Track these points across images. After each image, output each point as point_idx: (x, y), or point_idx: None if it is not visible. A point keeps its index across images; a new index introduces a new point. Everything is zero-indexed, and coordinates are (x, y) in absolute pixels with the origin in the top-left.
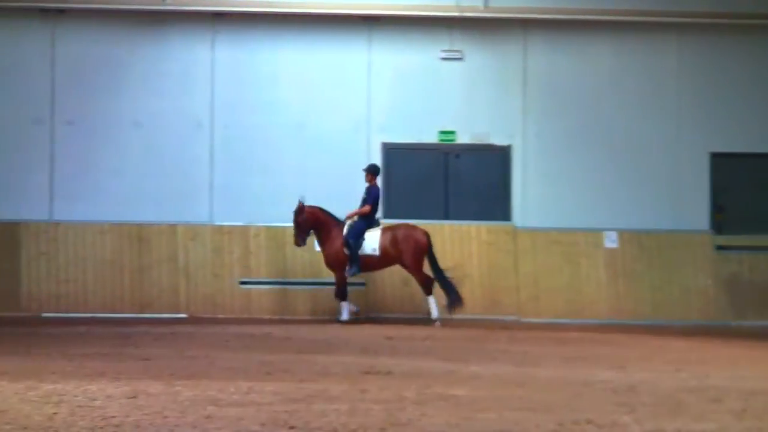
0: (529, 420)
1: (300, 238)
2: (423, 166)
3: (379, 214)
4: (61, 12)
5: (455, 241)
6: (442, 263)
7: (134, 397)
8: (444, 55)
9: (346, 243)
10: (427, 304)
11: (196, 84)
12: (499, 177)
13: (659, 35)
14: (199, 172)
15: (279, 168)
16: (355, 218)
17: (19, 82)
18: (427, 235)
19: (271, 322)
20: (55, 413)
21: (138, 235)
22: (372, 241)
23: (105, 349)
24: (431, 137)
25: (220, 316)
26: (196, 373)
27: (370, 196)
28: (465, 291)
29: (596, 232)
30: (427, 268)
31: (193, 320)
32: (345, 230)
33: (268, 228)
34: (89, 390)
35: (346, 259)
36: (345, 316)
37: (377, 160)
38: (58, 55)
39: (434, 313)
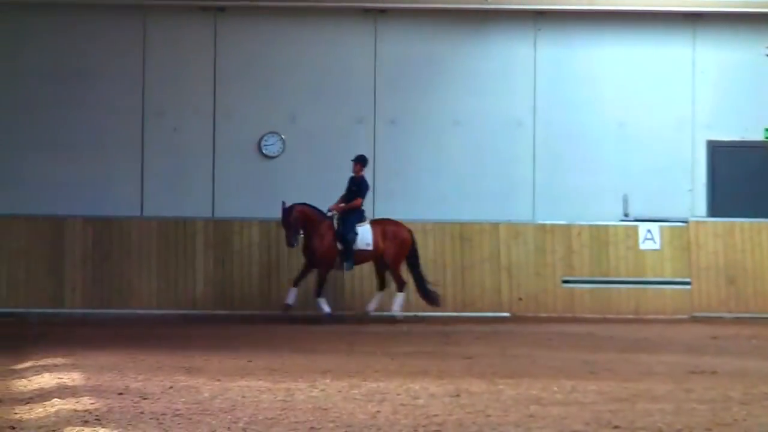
0: None
1: (292, 238)
2: (749, 164)
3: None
4: (382, 12)
5: None
6: None
7: (457, 395)
8: None
9: (342, 238)
10: (395, 299)
11: (516, 82)
12: None
13: None
14: (520, 170)
15: (600, 166)
16: (336, 212)
17: (343, 81)
18: (411, 233)
19: (593, 321)
20: (377, 411)
21: (460, 233)
22: (365, 236)
23: (427, 348)
24: (757, 135)
25: (543, 315)
26: (518, 371)
27: (363, 189)
28: None
29: None
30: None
31: (515, 319)
32: (335, 225)
33: (591, 226)
34: (412, 388)
35: (336, 254)
36: (327, 308)
37: (702, 157)
38: (380, 54)
39: (399, 308)
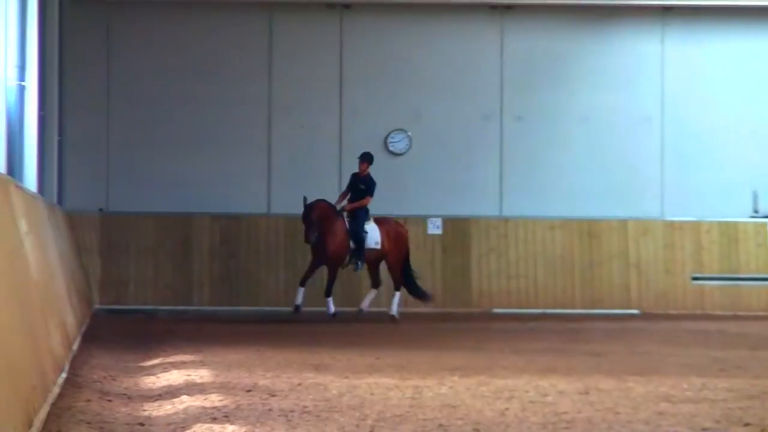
0: None
1: (312, 233)
2: None
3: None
4: (508, 8)
5: None
6: None
7: (586, 393)
8: None
9: (356, 236)
10: (393, 298)
11: (644, 79)
12: None
13: None
14: (648, 167)
15: (729, 162)
16: (346, 211)
17: (470, 78)
18: (407, 231)
19: (723, 318)
20: (506, 409)
21: (588, 230)
22: (374, 235)
23: (555, 345)
24: None
25: (672, 312)
26: (647, 369)
27: (371, 188)
28: None
29: None
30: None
31: (645, 316)
32: (347, 223)
33: (720, 223)
34: (540, 386)
35: (347, 253)
36: (333, 309)
37: None
38: (507, 50)
39: (397, 307)
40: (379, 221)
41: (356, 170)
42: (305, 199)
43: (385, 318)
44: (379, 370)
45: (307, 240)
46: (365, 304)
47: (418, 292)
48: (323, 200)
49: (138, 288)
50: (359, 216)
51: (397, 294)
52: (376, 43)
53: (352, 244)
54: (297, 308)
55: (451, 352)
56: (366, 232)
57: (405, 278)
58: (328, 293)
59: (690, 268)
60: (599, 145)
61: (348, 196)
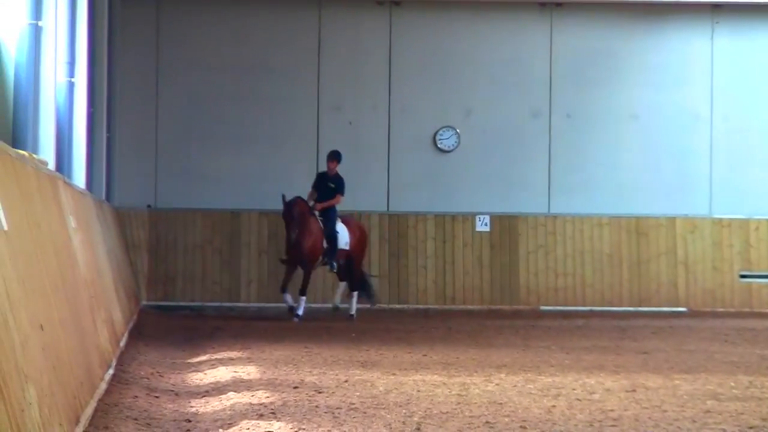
0: None
1: (295, 231)
2: None
3: None
4: (558, 5)
5: None
6: None
7: (633, 390)
8: None
9: (330, 236)
10: (351, 298)
11: (693, 76)
12: None
13: None
14: (697, 164)
15: None
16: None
17: (520, 75)
18: (366, 230)
19: None
20: (553, 406)
21: (636, 228)
22: (344, 235)
23: (603, 343)
24: None
25: (720, 310)
26: (694, 367)
27: (341, 186)
28: None
29: None
30: None
31: (692, 314)
32: (320, 222)
33: None
34: (587, 383)
35: (321, 252)
36: (291, 301)
37: None
38: (556, 47)
39: (354, 308)
40: (344, 221)
41: (328, 167)
42: (284, 196)
43: (418, 313)
44: (426, 367)
45: (289, 238)
46: (338, 299)
47: (370, 292)
48: (300, 198)
49: (186, 284)
50: (332, 215)
51: (356, 294)
52: (424, 40)
53: (325, 244)
54: (291, 309)
55: (498, 349)
56: (338, 232)
57: (361, 276)
58: (303, 292)
59: (738, 266)
60: (648, 143)
61: (315, 196)
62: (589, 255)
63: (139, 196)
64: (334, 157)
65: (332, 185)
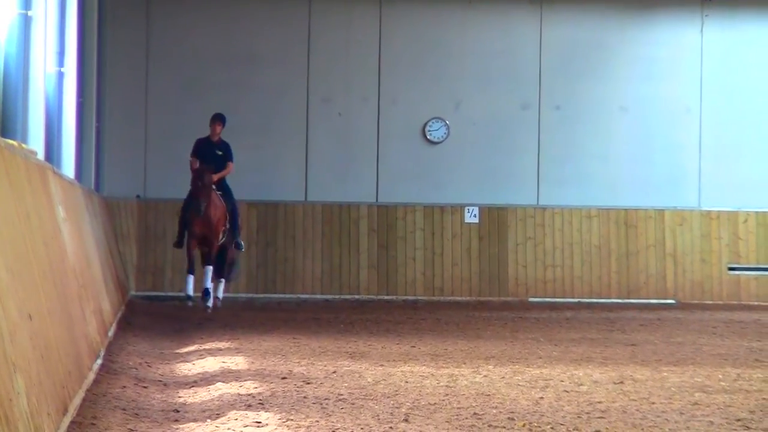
0: None
1: (204, 201)
2: None
3: None
4: None
5: None
6: None
7: (621, 382)
8: None
9: (234, 211)
10: (206, 274)
11: (683, 68)
12: None
13: None
14: (686, 157)
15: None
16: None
17: (509, 67)
18: None
19: (760, 308)
20: (541, 398)
21: (625, 220)
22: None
23: (591, 335)
24: None
25: (708, 302)
26: (682, 359)
27: (231, 152)
28: None
29: None
30: None
31: (681, 306)
32: (220, 195)
33: (758, 213)
34: (575, 375)
35: (225, 228)
36: (192, 291)
37: None
38: (546, 39)
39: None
40: None
41: (212, 132)
42: (191, 162)
43: (406, 304)
44: (415, 358)
45: (198, 208)
46: (209, 283)
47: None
48: (209, 166)
49: (174, 275)
50: (228, 188)
51: (223, 281)
52: (414, 32)
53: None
54: (190, 298)
55: (486, 340)
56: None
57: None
58: (220, 272)
59: (726, 258)
60: (637, 135)
61: (197, 165)
62: (578, 247)
63: (129, 186)
64: (219, 119)
65: (220, 152)
